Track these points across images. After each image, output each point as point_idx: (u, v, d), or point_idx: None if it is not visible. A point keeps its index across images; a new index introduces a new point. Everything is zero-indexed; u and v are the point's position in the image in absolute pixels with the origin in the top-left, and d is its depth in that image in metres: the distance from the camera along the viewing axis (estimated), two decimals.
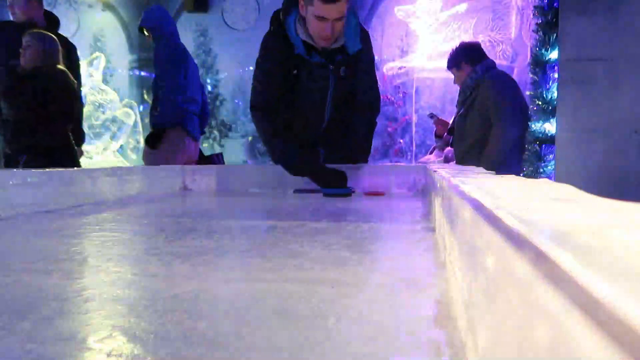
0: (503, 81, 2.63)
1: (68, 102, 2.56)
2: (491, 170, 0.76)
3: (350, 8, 1.69)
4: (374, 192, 1.65)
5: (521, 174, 2.63)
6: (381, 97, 2.01)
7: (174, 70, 2.76)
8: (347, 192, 1.56)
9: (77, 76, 2.85)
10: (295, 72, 1.74)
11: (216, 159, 3.07)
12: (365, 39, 1.81)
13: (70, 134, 2.62)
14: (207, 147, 5.24)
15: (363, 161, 1.87)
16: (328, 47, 1.72)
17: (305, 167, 1.67)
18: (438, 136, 3.37)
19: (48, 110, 2.43)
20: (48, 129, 2.45)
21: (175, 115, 2.74)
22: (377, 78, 1.97)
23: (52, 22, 2.86)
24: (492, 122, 2.54)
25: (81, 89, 2.96)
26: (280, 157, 1.73)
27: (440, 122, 3.36)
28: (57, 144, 2.50)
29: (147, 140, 2.85)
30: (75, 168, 2.67)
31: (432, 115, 3.46)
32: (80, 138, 2.96)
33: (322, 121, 1.85)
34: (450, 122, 3.06)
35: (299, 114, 1.83)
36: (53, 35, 2.56)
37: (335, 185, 1.58)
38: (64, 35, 2.90)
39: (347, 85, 1.80)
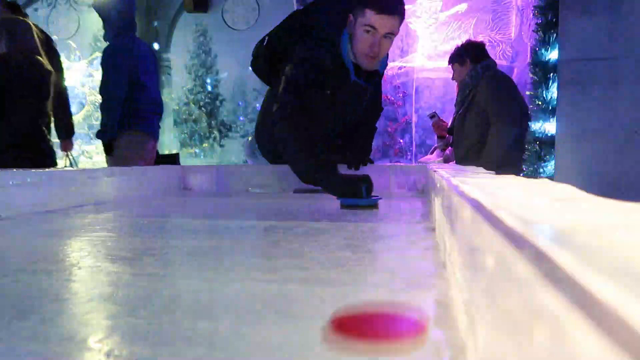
0: (501, 81, 2.63)
1: (28, 93, 2.28)
2: (491, 170, 0.76)
3: None
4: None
5: (521, 174, 2.62)
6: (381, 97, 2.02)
7: (113, 81, 2.46)
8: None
9: (56, 64, 2.65)
10: (329, 92, 1.61)
11: (170, 160, 2.84)
12: None
13: (43, 127, 2.38)
14: (207, 147, 5.23)
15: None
16: (371, 69, 1.63)
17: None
18: (440, 137, 3.37)
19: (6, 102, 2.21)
20: (6, 122, 2.22)
21: (112, 134, 2.48)
22: None
23: (14, 9, 2.61)
24: (490, 122, 2.54)
25: (63, 76, 2.81)
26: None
27: (438, 123, 3.35)
28: (23, 136, 2.28)
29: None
30: (79, 168, 2.59)
31: (432, 116, 3.41)
32: (67, 130, 2.87)
33: (334, 131, 1.81)
34: (450, 122, 3.06)
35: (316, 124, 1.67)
36: (23, 21, 2.35)
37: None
38: (51, 30, 2.74)
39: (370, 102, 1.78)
